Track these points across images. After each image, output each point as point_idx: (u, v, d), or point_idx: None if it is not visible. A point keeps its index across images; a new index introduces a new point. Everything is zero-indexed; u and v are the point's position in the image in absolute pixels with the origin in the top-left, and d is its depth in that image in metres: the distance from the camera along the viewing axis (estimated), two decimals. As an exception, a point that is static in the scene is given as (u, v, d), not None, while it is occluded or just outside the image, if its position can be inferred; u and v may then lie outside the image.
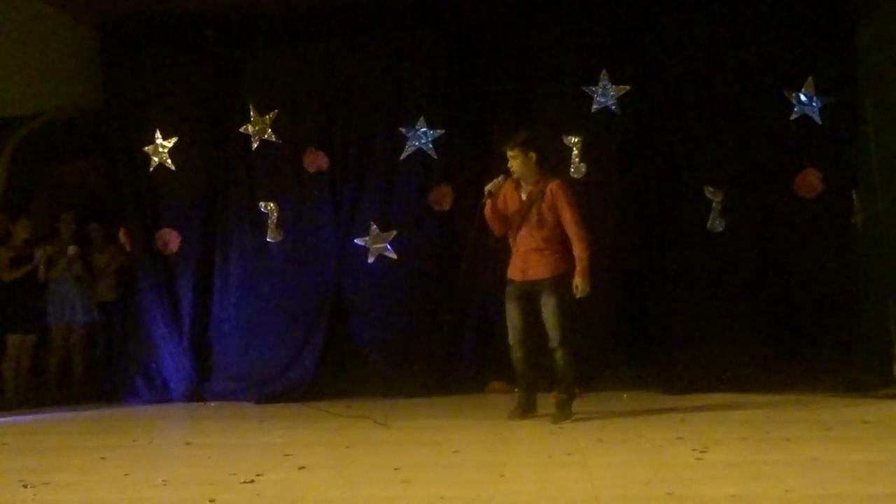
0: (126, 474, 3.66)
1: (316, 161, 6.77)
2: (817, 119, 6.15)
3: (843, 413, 4.79)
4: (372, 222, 6.65)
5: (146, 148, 6.97)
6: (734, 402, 5.38)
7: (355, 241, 6.66)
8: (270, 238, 6.81)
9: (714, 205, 6.25)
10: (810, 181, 6.13)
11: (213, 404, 6.46)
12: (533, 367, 4.93)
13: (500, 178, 4.88)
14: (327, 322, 6.63)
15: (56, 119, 7.43)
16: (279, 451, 4.09)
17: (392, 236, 6.60)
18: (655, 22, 6.46)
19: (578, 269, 4.76)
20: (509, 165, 4.88)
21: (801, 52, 6.24)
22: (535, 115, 6.59)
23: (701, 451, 3.64)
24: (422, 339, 6.50)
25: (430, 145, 6.59)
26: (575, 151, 6.46)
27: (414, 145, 6.62)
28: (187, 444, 4.63)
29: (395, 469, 3.53)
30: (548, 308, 4.75)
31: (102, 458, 4.12)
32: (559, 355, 4.78)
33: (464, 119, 6.66)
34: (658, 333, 6.30)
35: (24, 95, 7.30)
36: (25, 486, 3.43)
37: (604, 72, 6.42)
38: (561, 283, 4.78)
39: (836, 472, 3.18)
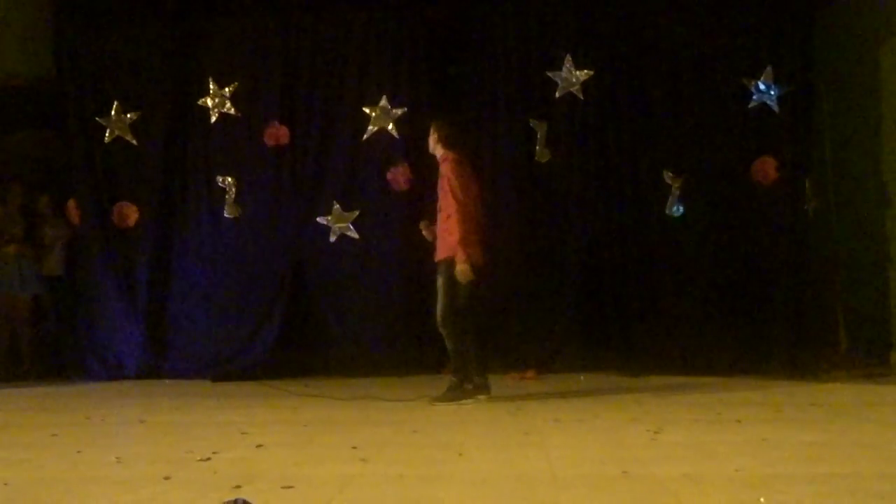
0: (78, 451, 3.59)
1: (276, 135, 6.67)
2: (775, 108, 6.27)
3: (793, 395, 4.92)
4: (335, 201, 6.58)
5: (101, 119, 6.77)
6: (688, 384, 5.49)
7: (317, 219, 6.59)
8: (228, 213, 6.71)
9: (673, 190, 6.34)
10: (766, 168, 6.25)
11: (168, 382, 6.37)
12: (463, 348, 4.79)
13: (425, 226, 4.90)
14: (286, 300, 6.57)
15: (6, 86, 7.19)
16: (236, 430, 4.05)
17: (355, 216, 6.55)
18: (619, 9, 6.48)
19: (458, 255, 4.62)
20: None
21: (761, 42, 6.34)
22: (499, 99, 6.59)
23: (655, 432, 3.70)
24: (383, 319, 6.48)
25: (392, 124, 6.53)
26: (539, 136, 6.48)
27: (376, 125, 6.55)
28: (141, 421, 4.56)
29: (354, 447, 3.52)
30: (437, 287, 4.75)
31: (54, 434, 4.03)
32: (445, 335, 4.75)
33: (427, 100, 6.61)
34: (615, 315, 6.39)
35: (-27, 62, 7.05)
36: (-28, 464, 3.34)
37: (568, 57, 6.43)
38: (450, 264, 4.69)
39: (785, 452, 3.26)
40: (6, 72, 7.11)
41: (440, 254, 4.76)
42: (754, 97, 6.28)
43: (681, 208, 6.34)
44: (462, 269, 4.62)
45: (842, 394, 5.02)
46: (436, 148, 4.88)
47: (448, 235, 4.69)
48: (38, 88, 7.13)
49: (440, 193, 4.75)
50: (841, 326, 6.37)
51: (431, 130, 4.90)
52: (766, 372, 5.76)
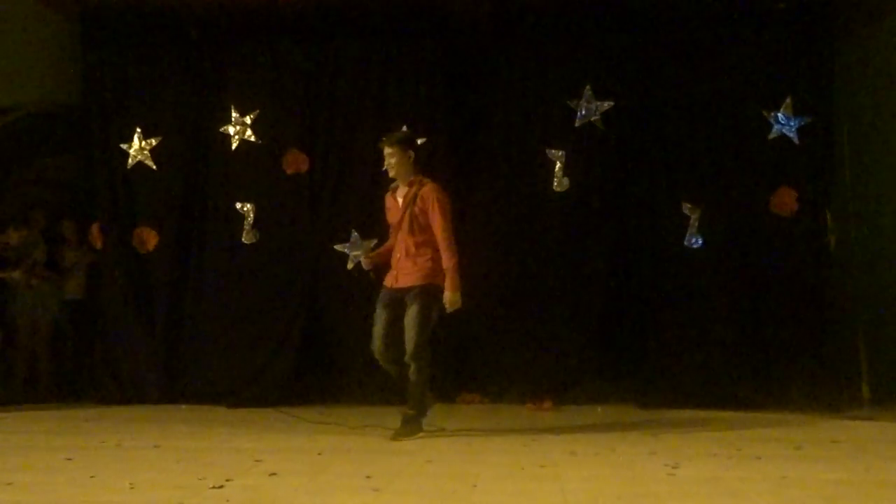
0: (92, 476, 3.60)
1: (295, 162, 6.72)
2: (795, 139, 6.24)
3: (814, 432, 4.84)
4: (352, 229, 6.61)
5: (124, 145, 6.88)
6: (706, 419, 5.42)
7: (335, 247, 6.61)
8: (246, 240, 6.74)
9: (692, 221, 6.30)
10: (786, 200, 6.21)
11: (183, 407, 6.37)
12: (399, 376, 4.71)
13: (367, 254, 4.97)
14: (302, 327, 6.57)
15: (33, 113, 7.33)
16: (250, 457, 4.04)
17: (373, 244, 6.57)
18: (640, 39, 6.51)
19: (447, 281, 4.58)
20: (386, 164, 4.84)
21: (780, 73, 6.33)
22: (517, 128, 6.61)
23: (673, 467, 3.65)
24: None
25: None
26: (558, 165, 6.49)
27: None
28: (156, 446, 4.56)
29: (367, 477, 3.51)
30: (408, 317, 4.55)
31: (69, 458, 4.05)
32: (412, 369, 4.56)
33: (447, 130, 6.65)
34: (633, 347, 6.33)
35: (1, 88, 7.19)
36: (-13, 486, 3.36)
37: (588, 87, 6.46)
38: (428, 292, 4.60)
39: (805, 490, 3.20)
40: (33, 98, 7.26)
41: (409, 280, 4.63)
42: (774, 128, 6.26)
43: (699, 240, 6.29)
44: (456, 298, 4.57)
45: (864, 431, 4.93)
46: (404, 169, 4.74)
47: (424, 262, 4.64)
48: (63, 115, 7.26)
49: (409, 219, 4.66)
50: (862, 361, 6.26)
51: (396, 150, 4.72)
52: (785, 407, 5.68)
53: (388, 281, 4.75)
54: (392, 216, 4.83)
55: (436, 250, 4.66)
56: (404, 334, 4.57)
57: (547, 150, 6.51)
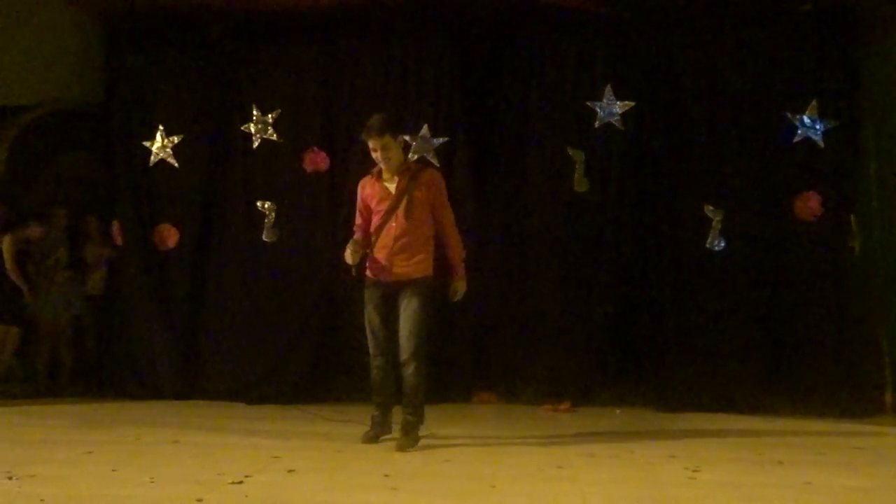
0: (113, 470, 3.63)
1: (315, 161, 6.74)
2: (819, 142, 6.16)
3: (836, 438, 4.79)
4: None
5: (146, 142, 6.93)
6: (727, 423, 5.37)
7: (354, 245, 6.61)
8: (266, 238, 6.77)
9: (714, 224, 6.24)
10: (810, 204, 6.13)
11: (202, 403, 6.41)
12: (392, 379, 4.43)
13: (353, 247, 4.37)
14: (320, 325, 6.59)
15: (56, 110, 7.41)
16: (268, 453, 4.06)
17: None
18: (662, 40, 6.46)
19: (460, 273, 4.42)
20: (381, 157, 4.36)
21: (806, 76, 6.25)
22: (537, 128, 6.59)
23: (693, 471, 3.62)
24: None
25: (432, 153, 6.55)
26: (577, 165, 6.46)
27: (417, 153, 6.58)
28: (175, 442, 4.59)
29: (385, 476, 3.51)
30: (408, 313, 4.25)
31: (89, 452, 4.08)
32: (411, 369, 4.26)
33: (466, 129, 6.63)
34: (652, 350, 6.28)
35: (25, 85, 7.27)
36: (10, 478, 3.40)
37: (608, 87, 6.42)
38: (428, 286, 4.35)
39: (828, 497, 3.17)
40: (57, 96, 7.34)
41: (406, 273, 4.31)
42: (798, 131, 6.19)
43: (722, 243, 6.24)
44: (463, 287, 4.45)
45: (886, 437, 4.86)
46: (395, 158, 4.39)
47: (422, 253, 4.36)
48: (87, 112, 7.33)
49: (407, 207, 4.32)
50: (886, 367, 6.17)
51: (389, 141, 4.33)
52: (807, 413, 5.61)
53: (377, 273, 4.40)
54: (380, 203, 4.41)
55: (427, 240, 4.39)
56: (402, 332, 4.28)
57: (567, 150, 6.48)
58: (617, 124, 6.43)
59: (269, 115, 6.80)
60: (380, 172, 4.49)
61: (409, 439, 4.30)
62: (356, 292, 6.49)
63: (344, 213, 6.66)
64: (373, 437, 4.43)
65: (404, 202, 4.33)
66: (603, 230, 6.43)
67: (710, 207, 6.26)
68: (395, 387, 4.46)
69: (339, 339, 6.63)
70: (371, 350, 4.46)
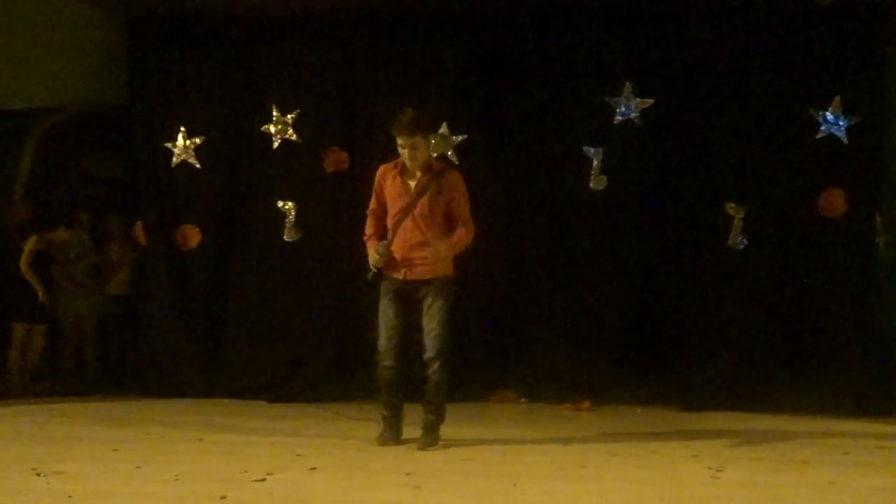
0: (138, 467, 3.67)
1: (335, 161, 6.77)
2: (843, 139, 6.09)
3: (861, 437, 4.74)
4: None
5: (168, 144, 6.99)
6: (750, 422, 5.33)
7: (374, 244, 6.63)
8: (287, 237, 6.81)
9: (735, 221, 6.19)
10: (834, 201, 6.06)
11: (225, 401, 6.46)
12: (402, 379, 4.38)
13: (381, 250, 4.33)
14: (341, 323, 6.62)
15: (80, 112, 7.51)
16: (290, 451, 4.09)
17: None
18: (681, 35, 6.42)
19: (451, 239, 4.25)
20: (408, 155, 4.27)
21: (829, 71, 6.17)
22: (556, 126, 6.57)
23: (716, 470, 3.60)
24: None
25: (451, 151, 6.56)
26: (595, 163, 6.43)
27: (436, 151, 6.58)
28: (199, 439, 4.64)
29: (407, 474, 3.52)
30: (431, 313, 4.21)
31: (115, 449, 4.14)
32: (435, 368, 4.23)
33: (485, 127, 6.63)
34: (674, 349, 6.24)
35: (50, 87, 7.37)
36: (38, 475, 3.45)
37: (627, 84, 6.39)
38: (450, 285, 4.33)
39: (853, 497, 3.14)
40: (80, 98, 7.43)
41: (427, 272, 4.26)
42: (822, 127, 6.11)
43: (744, 241, 6.18)
44: (442, 252, 4.27)
45: (913, 437, 4.80)
46: (422, 158, 4.29)
47: (448, 252, 4.29)
48: (109, 114, 7.42)
49: (428, 206, 4.26)
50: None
51: (419, 140, 4.24)
52: (831, 411, 5.55)
53: (396, 272, 4.33)
54: (397, 199, 4.34)
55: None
56: (426, 330, 4.24)
57: (584, 148, 6.45)
58: (636, 121, 6.40)
59: (289, 116, 6.84)
60: (403, 166, 4.40)
61: (431, 438, 4.28)
62: (377, 292, 6.61)
63: (364, 212, 6.70)
64: (388, 439, 4.38)
65: (421, 203, 4.27)
66: (623, 228, 6.40)
67: (732, 205, 6.20)
68: (405, 386, 4.41)
69: (359, 337, 6.65)
70: (380, 345, 4.36)
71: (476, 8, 6.59)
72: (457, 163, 6.52)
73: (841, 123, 6.08)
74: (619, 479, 3.47)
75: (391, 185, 4.40)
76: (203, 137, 6.95)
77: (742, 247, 6.17)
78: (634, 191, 6.41)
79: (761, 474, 3.60)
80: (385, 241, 4.33)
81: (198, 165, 6.96)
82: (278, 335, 6.69)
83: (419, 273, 4.29)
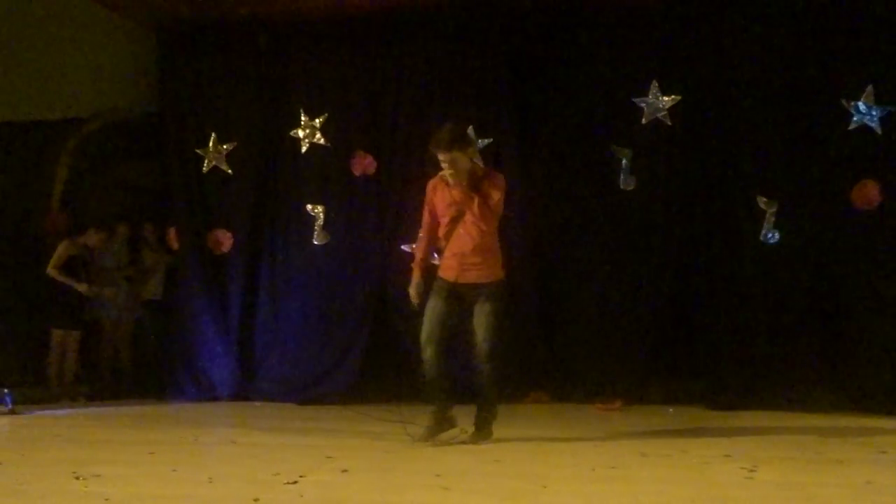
0: (173, 470, 3.73)
1: (363, 164, 6.81)
2: (877, 129, 5.97)
3: (899, 435, 4.64)
4: (420, 230, 6.63)
5: (199, 150, 7.10)
6: (784, 420, 5.25)
7: (402, 246, 6.67)
8: (317, 241, 6.87)
9: (767, 216, 6.10)
10: (868, 193, 5.95)
11: (257, 404, 6.55)
12: (445, 374, 4.43)
13: (417, 290, 4.48)
14: (371, 326, 6.66)
15: (113, 120, 7.65)
16: (322, 453, 4.12)
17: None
18: (707, 31, 6.35)
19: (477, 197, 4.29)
20: (447, 171, 4.37)
21: (860, 62, 6.05)
22: (582, 126, 6.55)
23: (750, 471, 3.55)
24: (463, 346, 6.47)
25: (477, 154, 6.55)
26: (624, 163, 6.39)
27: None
28: (232, 442, 4.70)
29: (437, 475, 3.53)
30: (482, 317, 4.34)
31: (151, 452, 4.20)
32: (487, 369, 4.37)
33: (512, 129, 6.62)
34: (705, 347, 6.18)
35: (84, 97, 7.54)
36: (77, 478, 3.52)
37: (654, 82, 6.33)
38: (500, 289, 4.44)
39: (891, 497, 3.08)
40: (112, 107, 7.58)
41: (478, 277, 4.38)
42: (854, 118, 6.00)
43: (776, 235, 6.10)
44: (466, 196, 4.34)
45: (953, 435, 4.69)
46: (462, 170, 4.35)
47: (493, 256, 4.42)
48: (141, 122, 7.55)
49: (479, 211, 4.32)
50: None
51: (457, 155, 4.30)
52: (867, 409, 5.45)
53: (449, 275, 4.43)
54: (447, 209, 4.44)
55: (497, 246, 4.46)
56: (478, 333, 4.35)
57: (613, 148, 6.42)
58: (664, 120, 6.34)
59: (317, 120, 6.90)
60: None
61: (483, 434, 4.41)
62: (407, 293, 6.62)
63: (392, 215, 6.75)
64: (430, 434, 4.40)
65: (475, 207, 4.34)
66: (653, 227, 6.36)
67: (764, 199, 6.13)
68: (450, 380, 4.48)
69: (390, 339, 6.70)
70: (422, 338, 4.41)
71: (501, 12, 6.59)
72: (482, 166, 6.52)
73: (874, 114, 5.97)
74: (650, 480, 3.45)
75: (440, 197, 4.52)
76: (233, 143, 7.05)
77: (774, 241, 6.09)
78: (664, 189, 6.36)
79: (796, 474, 3.54)
80: (420, 282, 4.49)
81: (229, 171, 7.06)
82: (310, 338, 6.76)
83: (470, 277, 4.40)
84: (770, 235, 6.12)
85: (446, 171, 4.39)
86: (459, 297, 4.43)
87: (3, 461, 3.98)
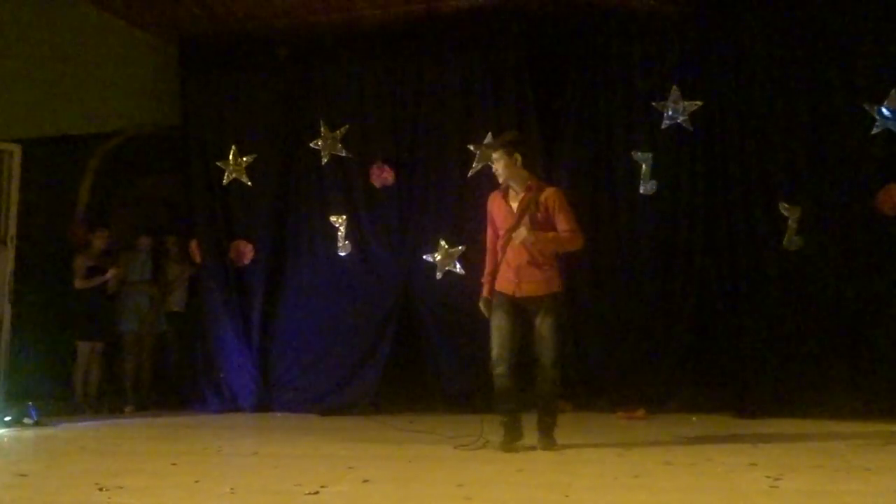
0: (196, 481, 3.75)
1: (381, 175, 6.84)
2: (900, 133, 5.89)
3: (929, 443, 4.55)
4: (440, 239, 6.65)
5: (220, 162, 7.16)
6: (810, 428, 5.18)
7: (424, 257, 6.67)
8: (340, 251, 6.90)
9: (790, 222, 6.04)
10: (892, 198, 5.86)
11: (279, 415, 6.57)
12: (517, 386, 4.54)
13: (486, 305, 4.59)
14: (392, 336, 6.66)
15: (136, 134, 7.75)
16: (343, 464, 4.12)
17: (459, 252, 6.59)
18: (727, 36, 6.31)
19: (553, 234, 4.46)
20: (494, 168, 4.67)
21: (883, 65, 5.98)
22: (603, 132, 6.53)
23: (775, 479, 3.50)
24: (485, 356, 6.45)
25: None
26: (644, 168, 6.37)
27: (481, 162, 6.60)
28: (254, 453, 4.72)
29: (459, 485, 3.52)
30: (545, 327, 4.47)
31: (173, 464, 4.23)
32: (551, 377, 4.51)
33: (532, 136, 6.59)
34: (729, 354, 6.11)
35: (107, 113, 7.65)
36: (101, 489, 3.55)
37: (674, 87, 6.31)
38: (559, 300, 4.62)
39: (921, 505, 3.02)
40: (135, 122, 7.68)
41: (536, 289, 4.51)
42: (877, 123, 5.93)
43: (799, 241, 6.03)
44: (527, 236, 4.44)
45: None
46: (512, 172, 4.55)
47: (550, 269, 4.54)
48: (163, 136, 7.65)
49: (531, 225, 4.45)
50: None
51: (500, 155, 4.55)
52: (894, 416, 5.35)
53: (507, 288, 4.54)
54: (504, 220, 4.59)
55: (555, 257, 4.59)
56: (537, 344, 4.49)
57: (633, 154, 6.40)
58: (685, 125, 6.31)
59: (338, 132, 6.95)
60: (506, 189, 4.66)
61: (550, 439, 4.50)
62: (428, 303, 6.64)
63: (413, 225, 6.76)
64: (508, 443, 4.48)
65: (524, 223, 4.47)
66: (675, 233, 6.32)
67: (786, 205, 6.06)
68: (520, 393, 4.56)
69: (412, 350, 6.70)
70: (494, 356, 4.53)
71: (520, 19, 6.59)
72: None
73: (897, 117, 5.88)
74: (674, 489, 3.41)
75: (498, 209, 4.67)
76: (254, 155, 7.11)
77: (797, 248, 6.02)
78: (685, 195, 6.32)
79: (822, 482, 3.49)
80: (489, 297, 4.60)
81: (249, 183, 7.11)
82: (331, 348, 6.77)
83: (528, 290, 4.51)
84: (793, 242, 6.04)
85: (494, 167, 4.64)
86: (519, 310, 4.55)
87: (29, 473, 4.03)
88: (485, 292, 4.62)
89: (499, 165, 4.59)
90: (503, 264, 4.56)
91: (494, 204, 4.69)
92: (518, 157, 4.56)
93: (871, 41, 6.01)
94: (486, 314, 4.60)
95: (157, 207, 7.94)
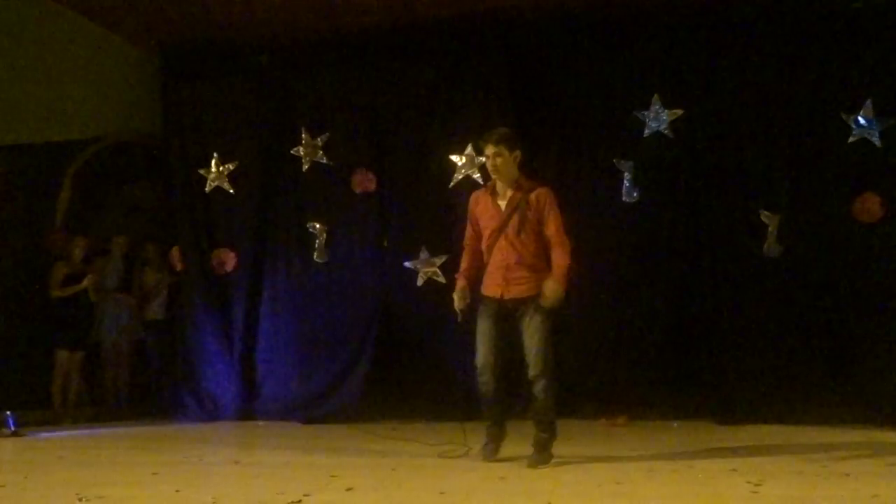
0: (177, 491, 3.72)
1: (363, 181, 6.84)
2: (877, 142, 5.99)
3: (906, 448, 4.61)
4: (423, 246, 6.66)
5: (202, 170, 7.13)
6: (790, 434, 5.23)
7: (405, 263, 6.68)
8: (318, 258, 6.88)
9: (770, 229, 6.11)
10: (869, 206, 5.96)
11: (261, 423, 6.53)
12: (503, 394, 4.37)
13: (460, 294, 4.38)
14: (373, 343, 6.65)
15: (116, 142, 7.70)
16: (326, 472, 4.10)
17: (443, 260, 6.59)
18: (708, 45, 6.38)
19: (554, 274, 4.21)
20: (489, 164, 4.39)
21: (859, 75, 6.09)
22: (586, 140, 6.57)
23: (756, 485, 3.53)
24: (468, 363, 6.45)
25: (478, 172, 6.57)
26: (627, 176, 6.41)
27: (463, 172, 6.62)
28: (236, 462, 4.68)
29: (441, 493, 3.51)
30: (531, 331, 4.21)
31: (154, 473, 4.19)
32: (541, 386, 4.21)
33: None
34: (710, 361, 6.16)
35: (86, 119, 7.59)
36: (80, 500, 3.51)
37: (656, 96, 6.37)
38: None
39: (899, 510, 3.05)
40: (116, 129, 7.63)
41: (525, 291, 4.25)
42: (854, 132, 6.02)
43: (779, 249, 6.10)
44: (560, 294, 4.22)
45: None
46: (508, 169, 4.35)
47: (540, 270, 4.28)
48: (144, 143, 7.60)
49: (519, 224, 4.28)
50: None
51: (502, 150, 4.30)
52: (874, 422, 5.42)
53: (495, 291, 4.32)
54: (491, 220, 4.38)
55: (543, 258, 4.33)
56: (528, 349, 4.23)
57: (615, 162, 6.44)
58: (667, 133, 6.37)
59: (319, 139, 6.94)
60: (493, 188, 4.45)
61: (543, 456, 4.24)
62: (409, 311, 6.65)
63: (394, 232, 6.77)
64: (493, 451, 4.37)
65: (512, 222, 4.30)
66: (656, 240, 6.37)
67: (766, 213, 6.14)
68: (506, 399, 4.44)
69: (393, 357, 6.69)
70: (479, 363, 4.34)
71: (502, 26, 6.63)
72: (482, 183, 6.55)
73: (874, 127, 5.99)
74: (656, 496, 3.43)
75: (483, 208, 4.45)
76: (235, 163, 7.08)
77: (777, 255, 6.09)
78: (667, 202, 6.38)
79: (802, 488, 3.53)
80: (464, 289, 4.39)
81: (231, 190, 7.08)
82: (312, 356, 6.75)
83: (516, 292, 4.28)
84: (773, 249, 6.11)
85: (489, 166, 4.39)
86: (508, 314, 4.32)
87: (7, 483, 3.98)
88: (458, 284, 4.41)
89: (497, 161, 4.32)
90: (490, 267, 4.36)
91: (479, 203, 4.47)
92: (517, 154, 4.40)
93: (847, 51, 6.11)
94: (457, 306, 4.36)
95: (136, 215, 7.88)
